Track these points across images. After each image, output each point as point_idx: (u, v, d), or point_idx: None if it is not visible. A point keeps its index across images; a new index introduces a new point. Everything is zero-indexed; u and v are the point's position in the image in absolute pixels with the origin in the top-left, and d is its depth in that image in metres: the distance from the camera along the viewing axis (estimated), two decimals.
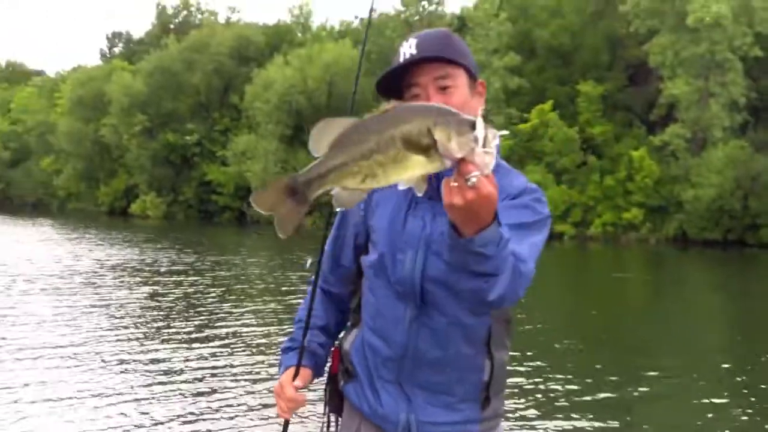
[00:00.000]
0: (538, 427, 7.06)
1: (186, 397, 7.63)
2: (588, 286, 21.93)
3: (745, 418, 7.71)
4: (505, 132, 1.64)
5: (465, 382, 2.07)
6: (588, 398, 8.23)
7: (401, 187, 1.66)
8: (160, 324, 11.76)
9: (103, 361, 9.00)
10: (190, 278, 17.93)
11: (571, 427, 7.13)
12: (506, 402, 2.23)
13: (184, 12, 73.08)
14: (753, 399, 8.51)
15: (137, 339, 10.48)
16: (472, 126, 1.51)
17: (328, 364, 2.31)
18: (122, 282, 16.79)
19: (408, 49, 2.01)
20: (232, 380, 8.38)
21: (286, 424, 2.25)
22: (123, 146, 59.49)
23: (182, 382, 8.23)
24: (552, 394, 8.27)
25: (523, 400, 7.79)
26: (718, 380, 9.64)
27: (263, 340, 10.64)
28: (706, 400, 8.39)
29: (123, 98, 58.48)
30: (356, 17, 60.83)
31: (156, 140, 57.99)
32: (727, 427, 7.38)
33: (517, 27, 50.29)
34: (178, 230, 41.19)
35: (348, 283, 2.28)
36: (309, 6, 66.24)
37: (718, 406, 8.21)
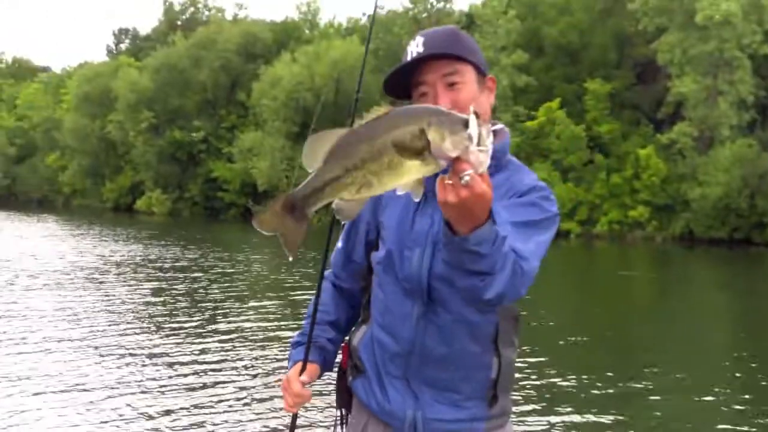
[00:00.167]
0: (542, 422, 7.06)
1: (190, 391, 7.65)
2: (594, 284, 21.88)
3: (750, 415, 7.69)
4: (498, 126, 1.65)
5: (471, 380, 2.07)
6: (592, 395, 8.22)
7: (399, 193, 1.64)
8: (164, 319, 11.78)
9: (106, 355, 9.03)
10: (194, 274, 17.96)
11: (575, 423, 7.13)
12: (510, 398, 2.22)
13: (191, 8, 73.25)
14: (758, 397, 8.48)
15: (141, 334, 10.50)
16: (465, 124, 1.51)
17: (338, 360, 2.32)
18: (126, 278, 16.83)
19: (415, 47, 2.01)
20: (235, 375, 8.40)
21: (294, 418, 2.26)
22: (129, 143, 59.61)
23: (186, 375, 8.26)
24: (557, 390, 8.26)
25: (527, 397, 7.78)
26: (723, 378, 9.61)
27: (267, 335, 10.62)
28: (711, 398, 8.38)
29: (129, 95, 58.60)
30: (364, 14, 60.79)
31: (162, 137, 58.10)
32: (732, 423, 7.35)
33: (526, 24, 50.18)
34: (183, 227, 41.27)
35: (359, 279, 2.28)
36: (316, 3, 66.27)
37: (723, 403, 8.19)
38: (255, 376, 8.39)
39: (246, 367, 8.76)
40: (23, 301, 12.80)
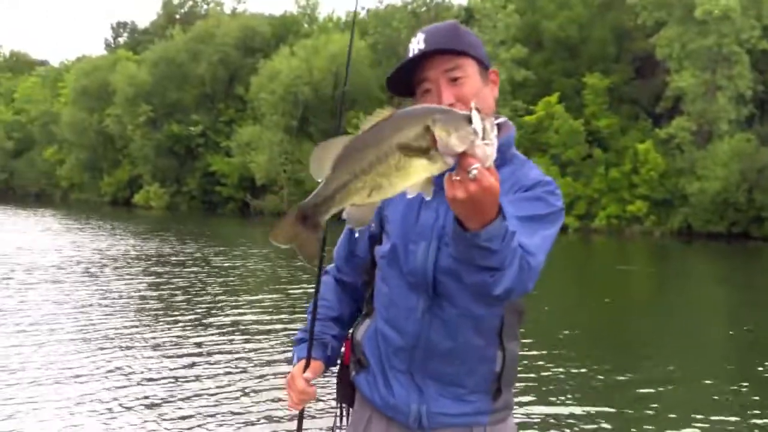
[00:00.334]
0: (538, 415, 7.05)
1: (187, 384, 7.62)
2: (592, 278, 21.87)
3: (747, 408, 7.68)
4: (502, 119, 1.67)
5: (476, 374, 2.06)
6: (590, 388, 8.22)
7: (410, 195, 1.63)
8: (161, 313, 11.75)
9: (103, 349, 8.99)
10: (191, 268, 17.94)
11: (573, 416, 7.12)
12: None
13: (190, 2, 73.08)
14: (756, 390, 8.47)
15: (138, 328, 10.47)
16: (468, 120, 1.52)
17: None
18: (123, 272, 16.79)
19: (416, 45, 2.01)
20: (233, 368, 8.37)
21: (301, 414, 2.27)
22: (127, 137, 59.58)
23: (183, 368, 8.23)
24: (554, 384, 8.26)
25: (524, 389, 7.75)
26: (721, 371, 9.61)
27: (264, 328, 10.59)
28: (709, 391, 8.38)
29: (127, 88, 58.50)
30: (363, 8, 60.67)
31: (160, 131, 58.04)
32: (730, 416, 7.35)
33: (525, 19, 50.15)
34: (181, 221, 41.24)
35: (362, 273, 2.28)
36: None
37: (720, 396, 8.19)
38: (253, 369, 8.36)
39: (243, 360, 8.74)
40: (20, 295, 12.76)
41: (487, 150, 1.52)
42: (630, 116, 46.73)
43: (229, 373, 8.21)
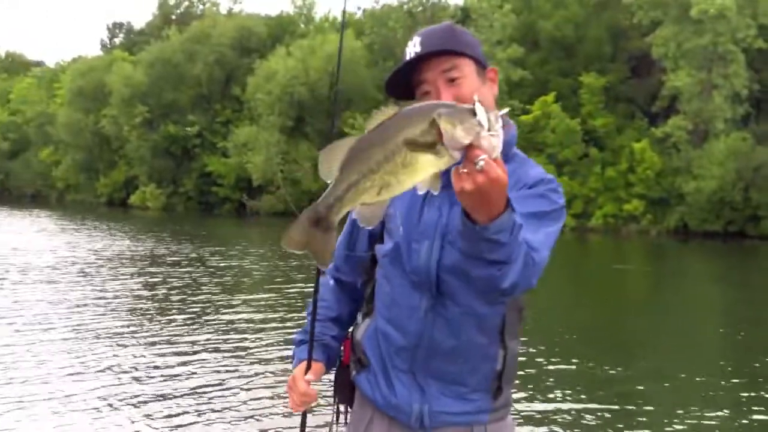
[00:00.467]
0: (534, 413, 7.05)
1: (181, 385, 7.60)
2: (588, 277, 21.87)
3: (743, 406, 7.67)
4: (506, 110, 1.66)
5: (478, 372, 2.07)
6: (586, 387, 8.21)
7: (420, 192, 1.66)
8: (157, 314, 11.73)
9: (98, 349, 8.97)
10: (187, 268, 17.90)
11: (569, 415, 7.11)
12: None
13: (186, 2, 72.91)
14: (751, 387, 8.46)
15: (133, 328, 10.45)
16: (473, 112, 1.53)
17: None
18: (119, 272, 16.76)
19: (413, 48, 2.03)
20: (228, 368, 8.35)
21: (304, 416, 2.26)
22: (123, 137, 59.40)
23: (177, 366, 8.21)
24: (550, 383, 8.26)
25: (519, 388, 7.73)
26: (717, 369, 9.60)
27: (260, 328, 10.58)
28: (704, 389, 8.39)
29: (123, 89, 58.35)
30: (359, 8, 60.65)
31: (156, 131, 57.91)
32: (726, 416, 7.35)
33: (521, 18, 50.16)
34: (177, 222, 41.18)
35: (361, 273, 2.28)
36: None
37: (716, 394, 8.19)
38: (248, 368, 8.34)
39: (238, 359, 8.72)
40: (14, 295, 12.73)
41: (493, 141, 1.53)
42: (626, 115, 46.76)
43: (225, 371, 8.19)
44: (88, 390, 7.21)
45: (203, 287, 14.88)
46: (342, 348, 2.30)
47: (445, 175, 1.66)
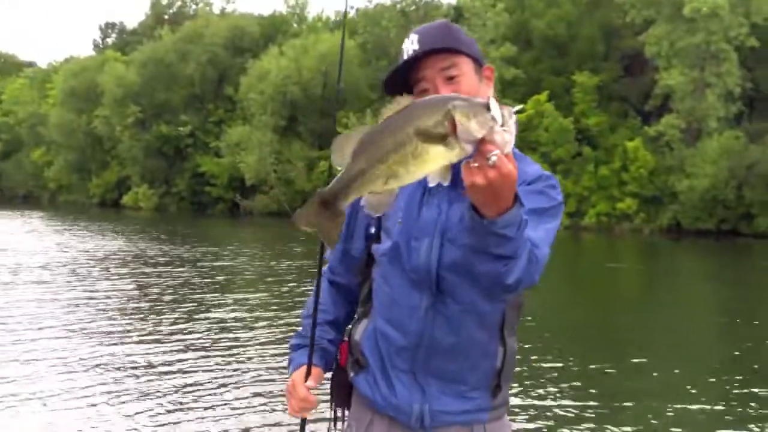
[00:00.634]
0: (529, 411, 7.04)
1: (173, 385, 7.58)
2: (581, 276, 21.88)
3: (736, 403, 7.68)
4: (520, 106, 1.69)
5: (478, 370, 2.07)
6: (579, 386, 8.22)
7: (431, 184, 1.67)
8: (149, 314, 11.70)
9: (90, 351, 8.92)
10: (179, 269, 17.85)
11: (562, 412, 7.12)
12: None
13: (179, 2, 72.76)
14: (744, 386, 8.48)
15: (123, 331, 10.41)
16: (487, 107, 1.54)
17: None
18: (110, 273, 16.70)
19: (410, 45, 2.03)
20: (220, 369, 8.32)
21: (303, 423, 2.24)
22: (115, 138, 59.28)
23: (172, 362, 8.18)
24: (544, 381, 8.26)
25: (514, 386, 7.71)
26: (709, 367, 9.63)
27: (253, 328, 10.56)
28: (697, 387, 8.40)
29: (116, 89, 58.22)
30: (352, 8, 60.61)
31: (149, 132, 57.79)
32: (718, 413, 7.36)
33: (514, 17, 50.19)
34: (170, 222, 41.10)
35: (357, 274, 2.26)
36: None
37: (709, 393, 8.21)
38: (239, 368, 8.33)
39: (231, 357, 8.70)
40: (4, 296, 12.67)
41: (506, 136, 1.54)
42: (619, 114, 46.84)
43: (216, 370, 8.18)
44: (78, 388, 7.21)
45: (195, 287, 14.84)
46: (338, 350, 2.28)
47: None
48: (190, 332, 10.30)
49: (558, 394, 7.78)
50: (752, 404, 7.66)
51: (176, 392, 7.32)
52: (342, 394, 2.23)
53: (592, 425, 6.84)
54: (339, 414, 2.26)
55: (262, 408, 6.91)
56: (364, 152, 1.64)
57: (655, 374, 8.94)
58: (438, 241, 2.00)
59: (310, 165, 50.62)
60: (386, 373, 2.09)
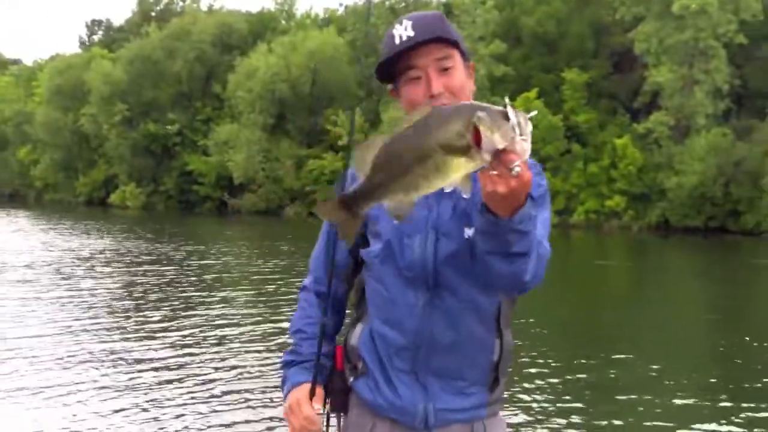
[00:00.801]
0: (518, 408, 7.06)
1: (154, 388, 7.55)
2: (570, 273, 21.93)
3: (722, 400, 7.74)
4: (534, 113, 1.69)
5: (476, 365, 2.07)
6: (568, 383, 8.26)
7: (447, 190, 1.72)
8: (132, 314, 11.65)
9: (73, 351, 8.88)
10: (165, 268, 17.80)
11: (549, 409, 7.14)
12: None
13: None
14: (730, 381, 8.54)
15: (108, 329, 10.38)
16: (506, 116, 1.54)
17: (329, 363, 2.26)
18: (96, 272, 16.63)
19: (403, 31, 1.99)
20: (204, 369, 8.31)
21: None
22: (102, 136, 59.06)
23: (151, 370, 8.16)
24: (532, 378, 8.28)
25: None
26: (696, 364, 9.69)
27: (238, 329, 10.54)
28: (686, 385, 8.44)
29: (102, 87, 57.99)
30: (341, 5, 60.55)
31: (136, 130, 57.59)
32: (707, 410, 7.40)
33: (504, 14, 50.25)
34: (157, 221, 40.97)
35: (343, 281, 2.24)
36: None
37: (695, 388, 8.26)
38: (224, 369, 8.31)
39: (216, 355, 8.69)
40: None
41: (525, 145, 1.55)
42: (608, 111, 46.98)
43: (202, 367, 8.16)
44: (61, 386, 7.20)
45: (182, 286, 14.80)
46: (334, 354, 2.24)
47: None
48: (176, 330, 10.29)
49: (546, 390, 7.82)
50: (738, 399, 7.71)
51: (161, 390, 7.31)
52: (339, 399, 2.19)
53: (579, 420, 6.88)
54: (334, 422, 2.21)
55: (248, 405, 6.91)
56: (386, 163, 1.65)
57: (642, 370, 8.98)
58: (432, 235, 2.00)
59: (298, 163, 50.58)
60: (387, 375, 2.08)
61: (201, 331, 10.24)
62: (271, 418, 6.55)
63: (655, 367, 9.19)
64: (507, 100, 1.57)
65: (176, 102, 58.45)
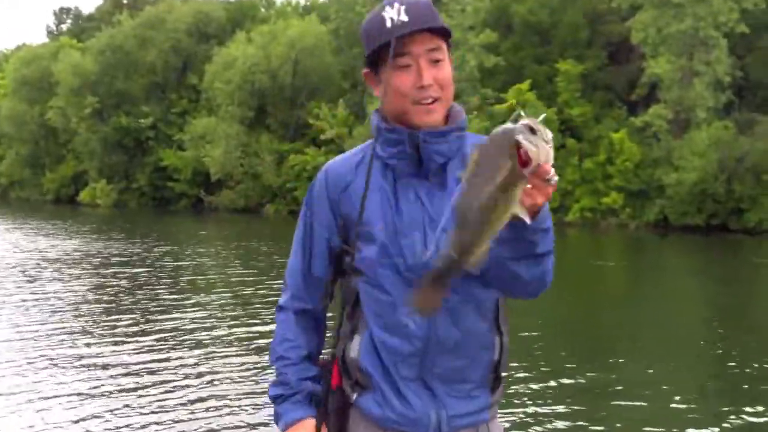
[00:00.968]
0: (514, 410, 7.09)
1: (124, 394, 7.53)
2: (567, 273, 21.96)
3: (723, 401, 7.79)
4: (543, 115, 1.75)
5: (479, 365, 2.09)
6: (565, 383, 8.32)
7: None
8: (101, 318, 11.61)
9: (37, 357, 8.83)
10: (137, 269, 17.70)
11: (546, 410, 7.18)
12: None
13: None
14: (731, 383, 8.60)
15: (75, 334, 10.33)
16: (533, 130, 1.62)
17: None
18: (63, 274, 16.53)
19: (396, 14, 1.99)
20: (173, 374, 8.27)
21: None
22: (71, 130, 58.68)
23: (121, 376, 8.13)
24: (528, 379, 8.33)
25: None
26: (695, 363, 9.75)
27: (211, 333, 10.50)
28: (685, 384, 8.53)
29: (71, 78, 57.61)
30: None
31: (107, 123, 57.25)
32: (707, 410, 7.46)
33: (494, 3, 50.27)
34: (129, 219, 40.79)
35: (324, 296, 2.19)
36: None
37: (696, 390, 8.36)
38: (198, 375, 8.28)
39: (183, 365, 8.64)
40: None
41: (551, 153, 1.65)
42: (604, 104, 47.04)
43: (175, 371, 8.12)
44: (28, 390, 7.20)
45: (154, 288, 14.73)
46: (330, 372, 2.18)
47: (412, 165, 1.97)
48: (148, 334, 10.23)
49: (542, 391, 7.87)
50: (738, 400, 7.76)
51: (131, 396, 7.29)
52: (337, 420, 2.13)
53: (577, 421, 6.92)
54: None
55: (223, 412, 6.90)
56: (464, 225, 1.71)
57: (640, 370, 9.05)
58: (431, 233, 2.00)
59: (279, 158, 50.42)
60: (395, 386, 2.06)
61: (174, 336, 10.19)
62: (246, 425, 6.52)
63: (653, 367, 9.27)
64: (522, 112, 1.67)
65: (150, 94, 58.18)
